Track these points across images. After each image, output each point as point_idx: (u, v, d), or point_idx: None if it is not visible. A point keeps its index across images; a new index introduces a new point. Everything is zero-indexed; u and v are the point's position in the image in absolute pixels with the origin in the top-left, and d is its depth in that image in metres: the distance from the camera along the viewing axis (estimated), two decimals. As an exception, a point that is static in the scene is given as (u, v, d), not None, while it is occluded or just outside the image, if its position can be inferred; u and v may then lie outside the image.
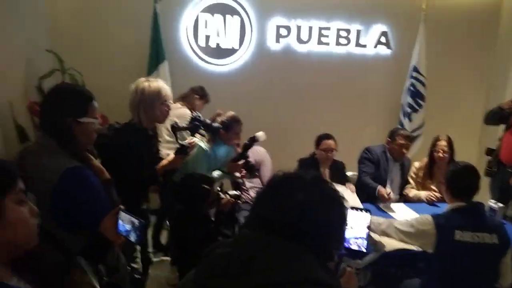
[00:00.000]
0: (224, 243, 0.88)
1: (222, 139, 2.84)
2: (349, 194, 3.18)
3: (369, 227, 1.44)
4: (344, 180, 3.39)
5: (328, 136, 3.29)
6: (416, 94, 4.28)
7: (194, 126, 2.56)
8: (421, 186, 3.41)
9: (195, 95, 3.71)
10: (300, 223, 0.85)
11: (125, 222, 1.44)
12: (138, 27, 3.99)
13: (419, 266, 2.32)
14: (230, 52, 4.27)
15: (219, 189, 2.42)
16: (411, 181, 3.48)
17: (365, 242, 1.43)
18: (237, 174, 2.79)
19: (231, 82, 4.30)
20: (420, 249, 2.33)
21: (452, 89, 4.62)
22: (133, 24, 4.02)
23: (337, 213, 0.91)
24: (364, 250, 1.43)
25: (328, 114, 4.51)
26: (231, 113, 2.88)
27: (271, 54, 4.35)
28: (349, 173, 3.61)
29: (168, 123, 2.72)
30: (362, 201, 3.09)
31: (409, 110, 4.30)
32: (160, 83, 2.33)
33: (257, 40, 4.30)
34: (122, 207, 1.48)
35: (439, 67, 4.49)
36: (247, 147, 2.76)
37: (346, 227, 0.96)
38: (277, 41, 4.33)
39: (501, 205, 2.86)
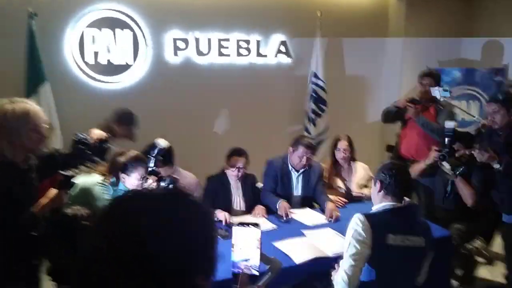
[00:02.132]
0: None
1: (124, 183, 2.48)
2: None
3: (260, 244, 1.27)
4: (257, 195, 3.20)
5: (239, 153, 3.04)
6: (318, 100, 4.35)
7: (79, 151, 2.18)
8: (328, 187, 3.37)
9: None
10: (146, 257, 0.64)
11: None
12: (11, 48, 3.50)
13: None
14: (124, 68, 3.95)
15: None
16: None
17: (257, 263, 1.25)
18: None
19: (127, 100, 3.96)
20: (336, 254, 2.24)
21: (351, 91, 4.80)
22: (5, 45, 3.52)
23: (199, 234, 0.71)
24: (257, 273, 1.25)
25: (234, 126, 4.39)
26: (133, 152, 2.47)
27: (170, 68, 4.12)
28: (259, 185, 3.47)
29: None
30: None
31: (313, 115, 4.36)
32: (28, 105, 1.92)
33: (154, 55, 4.05)
34: None
35: (337, 71, 4.64)
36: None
37: (214, 248, 0.76)
38: (176, 54, 4.12)
39: (407, 199, 2.92)
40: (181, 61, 4.15)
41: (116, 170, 2.46)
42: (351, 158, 3.34)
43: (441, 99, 3.33)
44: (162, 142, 2.49)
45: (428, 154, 3.22)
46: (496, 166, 2.72)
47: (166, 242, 0.65)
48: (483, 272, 3.44)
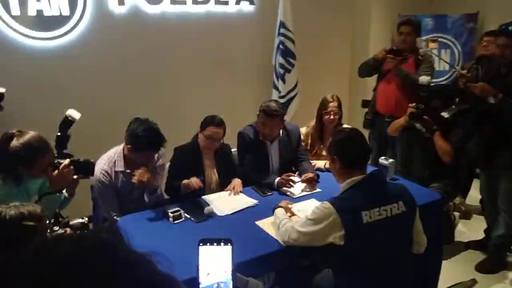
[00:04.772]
0: None
1: (28, 174, 1.91)
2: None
3: (233, 266, 1.01)
4: (232, 167, 2.83)
5: (217, 122, 2.58)
6: (286, 53, 3.95)
7: None
8: (311, 154, 3.06)
9: None
10: None
11: None
12: None
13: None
14: (60, 20, 3.30)
15: (52, 220, 1.69)
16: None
17: None
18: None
19: (65, 60, 3.35)
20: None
21: (319, 44, 4.44)
22: None
23: None
24: None
25: (194, 85, 3.92)
26: (31, 135, 1.84)
27: (115, 19, 3.51)
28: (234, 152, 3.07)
29: None
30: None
31: (281, 71, 3.97)
32: None
33: (95, 4, 3.41)
34: None
35: (305, 21, 4.23)
36: (63, 139, 1.97)
37: None
38: (121, 2, 3.50)
39: (391, 160, 2.74)
40: (128, 10, 3.54)
41: (8, 162, 1.82)
42: (339, 122, 3.00)
43: (426, 50, 3.07)
44: (74, 115, 2.00)
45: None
46: (491, 101, 2.63)
47: None
48: (462, 228, 3.43)
